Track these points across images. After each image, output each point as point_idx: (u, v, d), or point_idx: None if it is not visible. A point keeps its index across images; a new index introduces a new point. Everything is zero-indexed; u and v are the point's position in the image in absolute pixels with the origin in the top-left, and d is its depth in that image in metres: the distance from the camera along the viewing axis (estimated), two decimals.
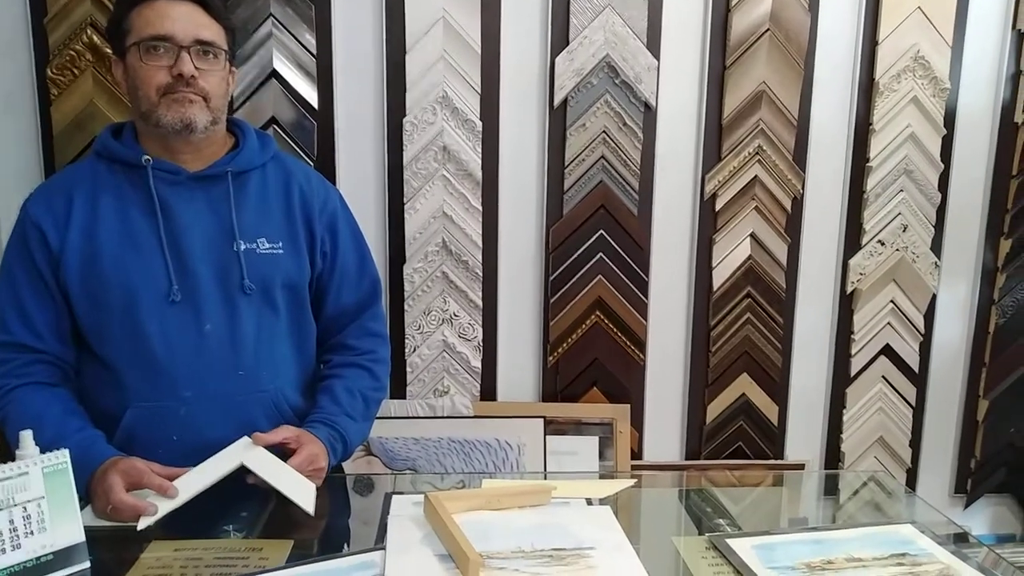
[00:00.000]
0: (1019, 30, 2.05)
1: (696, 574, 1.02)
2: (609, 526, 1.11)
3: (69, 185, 1.30)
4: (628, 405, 2.11)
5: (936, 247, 2.14)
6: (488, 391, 2.10)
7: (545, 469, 2.06)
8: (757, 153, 2.05)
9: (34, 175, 1.91)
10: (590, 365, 2.11)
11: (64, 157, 1.90)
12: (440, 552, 1.02)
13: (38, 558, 0.94)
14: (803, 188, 2.08)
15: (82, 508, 1.06)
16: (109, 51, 1.65)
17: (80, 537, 0.98)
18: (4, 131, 1.89)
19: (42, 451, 0.98)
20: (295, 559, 1.04)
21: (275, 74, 1.91)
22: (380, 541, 1.08)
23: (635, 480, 1.33)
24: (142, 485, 1.14)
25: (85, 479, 1.16)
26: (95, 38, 1.85)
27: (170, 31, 1.26)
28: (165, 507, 1.11)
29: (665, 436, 2.18)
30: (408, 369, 2.06)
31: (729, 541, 1.08)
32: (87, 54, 1.86)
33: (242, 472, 1.17)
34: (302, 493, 1.17)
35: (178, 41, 1.26)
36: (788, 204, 2.09)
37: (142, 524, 1.08)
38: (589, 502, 1.22)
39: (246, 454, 1.19)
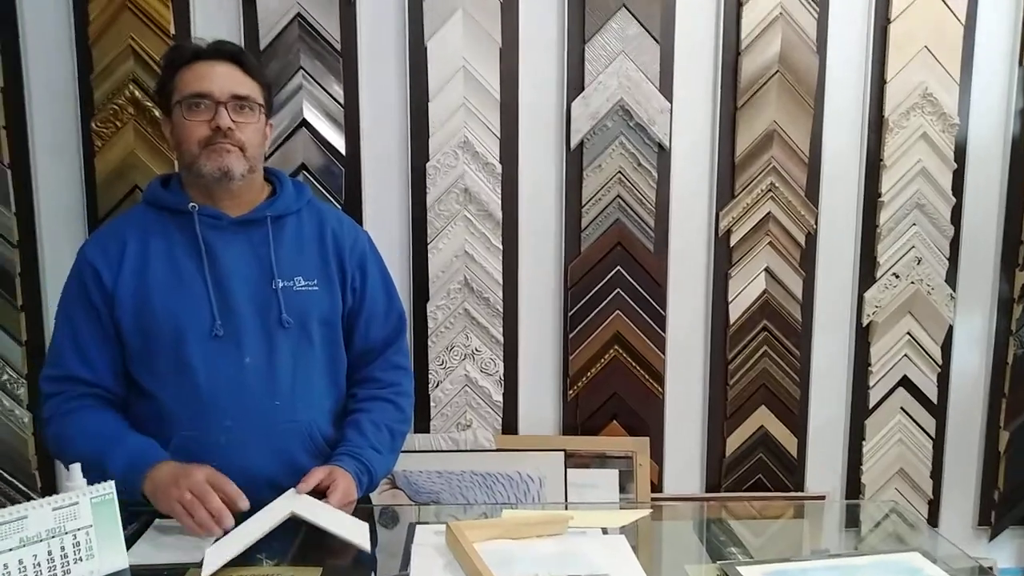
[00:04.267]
0: None
1: None
2: (623, 554, 1.16)
3: (121, 230, 1.41)
4: (648, 438, 2.14)
5: (951, 279, 2.17)
6: (509, 425, 2.15)
7: (566, 501, 2.10)
8: (770, 190, 2.10)
9: (78, 220, 2.02)
10: (609, 399, 2.16)
11: (106, 203, 2.01)
12: None
13: None
14: (816, 223, 2.13)
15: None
16: (158, 113, 1.80)
17: (124, 564, 1.05)
18: (52, 178, 2.01)
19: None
20: None
21: (305, 123, 2.01)
22: (404, 568, 1.13)
23: (650, 510, 1.37)
24: (225, 491, 1.22)
25: (142, 475, 1.25)
26: (137, 93, 1.97)
27: (208, 89, 1.37)
28: (223, 556, 1.14)
29: (685, 469, 2.21)
30: (431, 403, 2.12)
31: (740, 569, 1.11)
32: (129, 108, 1.98)
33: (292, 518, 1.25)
34: (357, 532, 1.23)
35: (216, 97, 1.37)
36: (802, 239, 2.13)
37: (206, 571, 1.11)
38: (605, 531, 1.26)
39: (294, 504, 1.26)
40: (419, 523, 1.33)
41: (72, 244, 2.01)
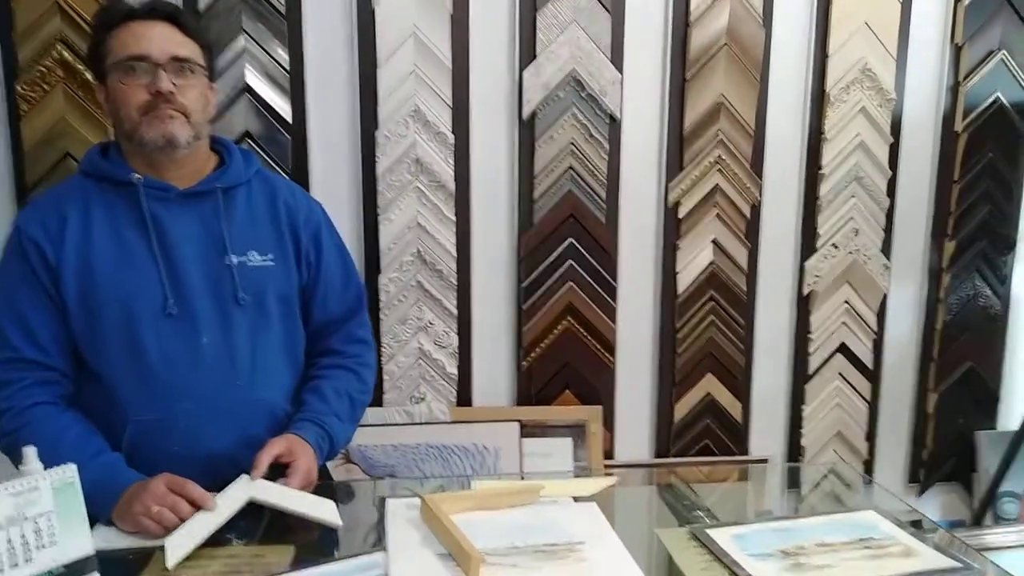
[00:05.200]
0: (956, 44, 2.18)
1: (681, 563, 1.09)
2: (596, 521, 1.17)
3: (60, 203, 1.32)
4: (600, 407, 2.18)
5: (886, 249, 2.26)
6: (464, 396, 2.15)
7: (521, 471, 2.12)
8: (717, 162, 2.14)
9: (5, 190, 1.91)
10: (562, 369, 2.18)
11: (35, 173, 1.90)
12: (440, 551, 1.07)
13: (49, 571, 0.96)
14: (760, 195, 2.18)
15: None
16: (89, 77, 1.71)
17: (89, 550, 1.00)
18: None
19: None
20: (297, 563, 1.08)
21: (248, 89, 1.94)
22: (374, 544, 1.13)
23: (617, 478, 1.39)
24: (185, 491, 1.16)
25: (111, 500, 1.18)
26: (66, 54, 1.86)
27: (146, 50, 1.28)
28: (187, 545, 1.10)
29: (635, 436, 2.26)
30: (385, 377, 2.10)
31: (709, 531, 1.15)
32: (58, 70, 1.87)
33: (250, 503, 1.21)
34: (324, 510, 1.21)
35: (154, 59, 1.28)
36: (747, 211, 2.18)
37: (171, 562, 1.07)
38: (575, 500, 1.28)
39: (251, 489, 1.22)
40: (390, 497, 1.31)
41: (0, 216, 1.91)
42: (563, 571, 1.02)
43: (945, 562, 1.06)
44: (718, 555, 1.09)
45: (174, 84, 1.29)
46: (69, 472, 0.99)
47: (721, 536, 1.13)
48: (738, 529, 1.16)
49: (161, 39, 1.30)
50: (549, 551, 1.07)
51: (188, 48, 1.33)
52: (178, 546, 1.09)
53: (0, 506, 0.93)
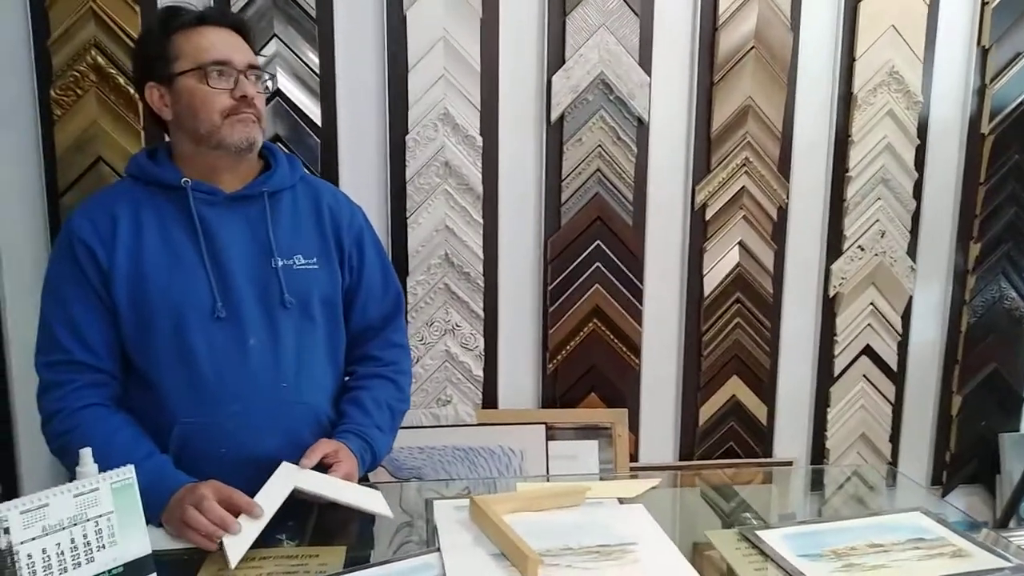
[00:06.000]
0: (983, 47, 2.19)
1: (733, 564, 1.09)
2: (646, 523, 1.18)
3: (110, 205, 1.33)
4: (625, 409, 2.18)
5: (912, 251, 2.26)
6: (490, 399, 2.16)
7: (547, 473, 2.12)
8: (744, 165, 2.14)
9: (36, 195, 1.91)
10: (588, 371, 2.18)
11: (67, 177, 1.91)
12: (493, 552, 1.07)
13: (110, 570, 0.97)
14: (787, 197, 2.19)
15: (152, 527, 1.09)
16: (122, 80, 1.71)
17: (147, 549, 1.01)
18: (7, 150, 1.89)
19: None
20: (350, 563, 1.08)
21: (279, 92, 1.95)
22: (430, 545, 1.13)
23: (659, 479, 1.40)
24: (232, 501, 1.15)
25: (160, 503, 1.18)
26: (99, 59, 1.86)
27: (229, 56, 1.33)
28: (244, 542, 1.10)
29: (660, 438, 2.26)
30: (412, 379, 2.09)
31: (759, 533, 1.15)
32: (91, 75, 1.87)
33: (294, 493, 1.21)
34: (373, 500, 1.21)
35: (236, 66, 1.33)
36: (774, 213, 2.19)
37: (233, 562, 1.07)
38: (620, 502, 1.28)
39: (297, 479, 1.22)
40: (422, 498, 1.32)
41: (30, 221, 1.92)
42: (618, 572, 1.03)
43: (998, 562, 1.06)
44: (770, 555, 1.09)
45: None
46: (128, 473, 1.00)
47: (771, 537, 1.14)
48: (788, 530, 1.17)
49: (238, 47, 1.35)
50: (602, 552, 1.08)
51: (254, 56, 1.39)
52: (236, 545, 1.09)
53: (64, 506, 0.94)
